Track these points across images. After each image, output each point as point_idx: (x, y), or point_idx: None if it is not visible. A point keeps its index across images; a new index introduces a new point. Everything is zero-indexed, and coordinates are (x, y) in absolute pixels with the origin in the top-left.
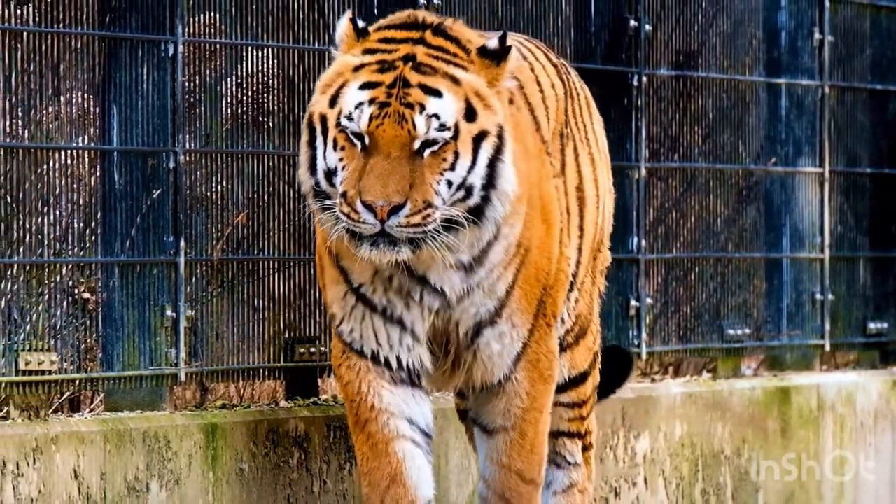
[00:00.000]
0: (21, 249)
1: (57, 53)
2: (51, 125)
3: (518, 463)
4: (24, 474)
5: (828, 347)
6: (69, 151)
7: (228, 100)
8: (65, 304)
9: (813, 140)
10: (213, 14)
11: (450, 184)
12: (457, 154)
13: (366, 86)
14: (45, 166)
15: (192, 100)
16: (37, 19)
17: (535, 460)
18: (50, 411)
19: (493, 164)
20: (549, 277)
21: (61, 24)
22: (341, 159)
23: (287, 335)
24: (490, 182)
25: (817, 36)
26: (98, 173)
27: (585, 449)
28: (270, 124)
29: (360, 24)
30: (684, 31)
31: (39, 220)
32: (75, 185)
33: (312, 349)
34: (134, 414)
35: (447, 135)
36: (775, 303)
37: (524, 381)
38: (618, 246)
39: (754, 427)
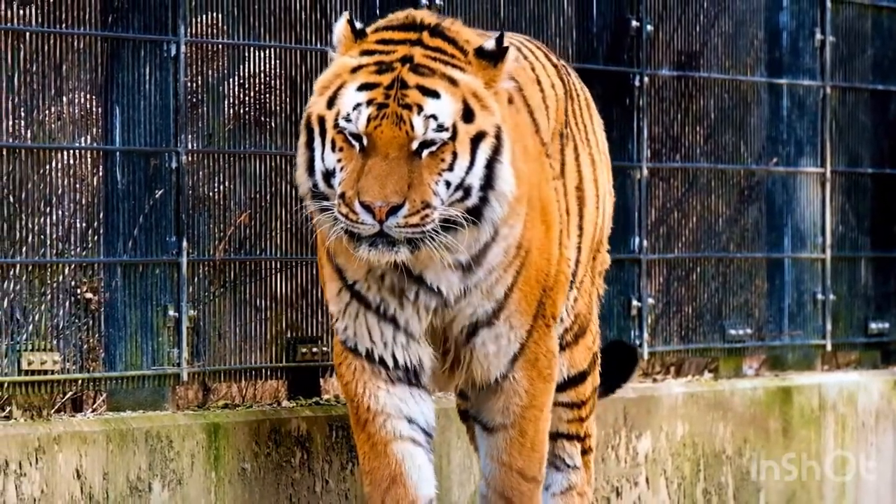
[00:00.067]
0: (24, 249)
1: (59, 54)
2: (53, 125)
3: (519, 461)
4: (26, 474)
5: (829, 347)
6: (72, 151)
7: (231, 100)
8: (67, 303)
9: (814, 140)
10: (215, 14)
11: (448, 184)
12: (455, 155)
13: (364, 87)
14: (47, 166)
15: (194, 100)
16: (39, 20)
17: (536, 458)
18: (52, 411)
19: (490, 165)
20: (548, 279)
21: (64, 25)
22: (339, 160)
23: (289, 335)
24: (488, 183)
25: (819, 36)
26: (100, 173)
27: (585, 452)
28: (273, 124)
29: (358, 25)
30: (686, 32)
31: (42, 219)
32: (78, 185)
33: (314, 349)
34: (136, 414)
35: (445, 136)
36: (777, 303)
37: (523, 379)
38: (619, 246)
39: (756, 427)
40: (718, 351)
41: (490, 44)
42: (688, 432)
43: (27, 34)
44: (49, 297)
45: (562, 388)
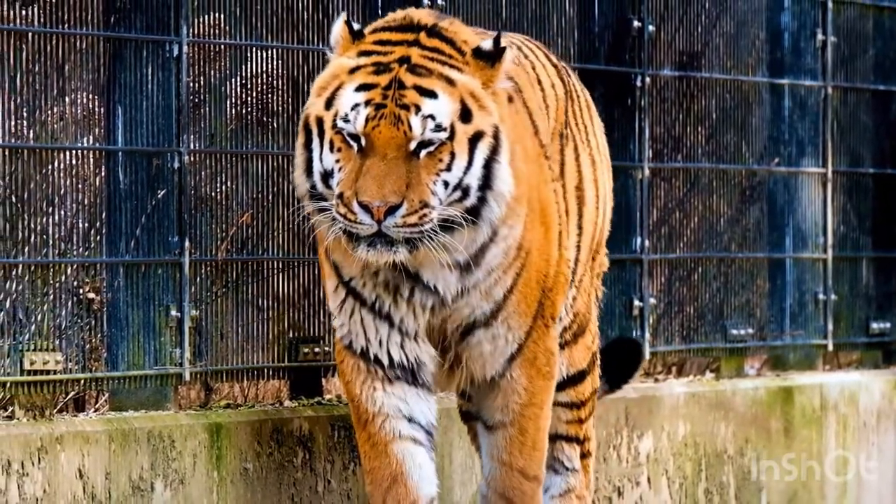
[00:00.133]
0: (26, 249)
1: (62, 54)
2: (56, 125)
3: (520, 460)
4: (28, 474)
5: (831, 347)
6: (74, 152)
7: (233, 100)
8: (70, 303)
9: (816, 140)
10: (217, 15)
11: (446, 184)
12: (453, 155)
13: (362, 87)
14: (49, 166)
15: (196, 100)
16: (42, 20)
17: (537, 457)
18: (55, 411)
19: (489, 165)
20: (547, 280)
21: (66, 25)
22: (338, 161)
23: (291, 335)
24: (486, 183)
25: (820, 37)
26: (103, 173)
27: (584, 456)
28: (275, 125)
29: (356, 26)
30: (688, 32)
31: (44, 220)
32: (80, 186)
33: (317, 349)
34: (138, 413)
35: (443, 136)
36: (778, 303)
37: (521, 377)
38: (621, 246)
39: (757, 427)
40: (720, 351)
41: (487, 44)
42: (689, 432)
43: (30, 34)
44: (51, 296)
45: (561, 387)
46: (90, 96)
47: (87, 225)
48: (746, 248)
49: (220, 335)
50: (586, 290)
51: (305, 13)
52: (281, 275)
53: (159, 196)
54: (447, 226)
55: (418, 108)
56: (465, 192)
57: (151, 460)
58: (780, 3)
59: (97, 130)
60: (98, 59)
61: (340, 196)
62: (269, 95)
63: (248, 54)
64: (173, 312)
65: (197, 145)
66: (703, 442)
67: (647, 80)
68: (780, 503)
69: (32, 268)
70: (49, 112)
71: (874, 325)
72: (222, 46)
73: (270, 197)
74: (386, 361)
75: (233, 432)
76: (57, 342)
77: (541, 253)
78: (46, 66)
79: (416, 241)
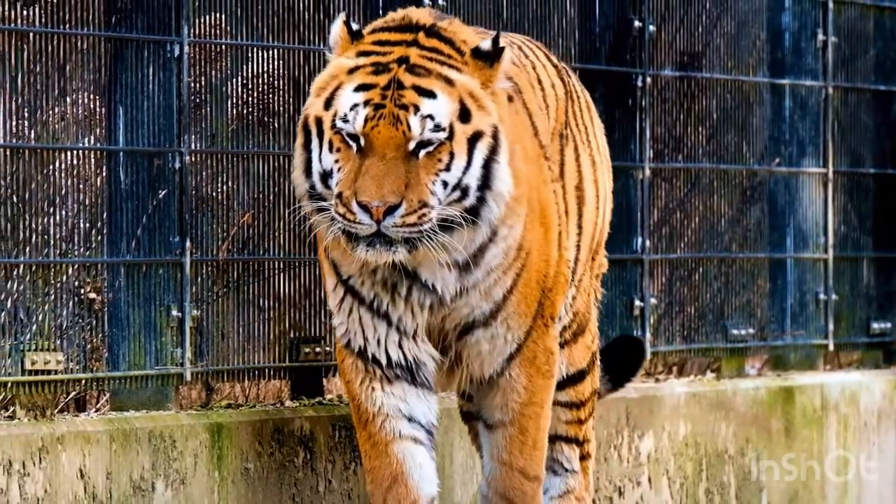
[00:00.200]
0: (27, 249)
1: (63, 54)
2: (57, 126)
3: (520, 460)
4: (30, 474)
5: (831, 347)
6: (75, 152)
7: (234, 100)
8: (71, 304)
9: (816, 141)
10: (218, 15)
11: (445, 184)
12: (452, 155)
13: (360, 88)
14: (51, 167)
15: (197, 100)
16: (43, 20)
17: (538, 457)
18: (56, 411)
19: (488, 165)
20: (547, 280)
21: (67, 25)
22: (337, 161)
23: (292, 335)
24: (485, 183)
25: (821, 37)
26: (104, 174)
27: (583, 458)
28: (276, 125)
29: (355, 26)
30: (688, 32)
31: (45, 220)
32: (81, 186)
33: (318, 349)
34: (139, 413)
35: (442, 135)
36: (779, 303)
37: (521, 376)
38: (622, 246)
39: (758, 427)
40: (721, 351)
41: (486, 44)
42: (690, 432)
43: (31, 35)
44: (52, 296)
45: (560, 386)
46: (91, 96)
47: (88, 225)
48: (747, 248)
49: (222, 335)
50: (586, 290)
51: (306, 13)
52: (282, 275)
53: (160, 196)
54: (446, 225)
55: (417, 108)
56: (465, 192)
57: (152, 460)
58: (780, 3)
59: (98, 130)
60: (99, 59)
61: (339, 196)
62: (270, 95)
63: (249, 54)
64: (174, 312)
65: (198, 145)
66: (704, 442)
67: (648, 80)
68: (781, 503)
69: (34, 268)
70: (50, 112)
71: (875, 325)
72: (223, 46)
73: (271, 197)
74: (384, 361)
75: (234, 432)
76: (58, 342)
77: (541, 253)
78: (48, 66)
79: (415, 241)
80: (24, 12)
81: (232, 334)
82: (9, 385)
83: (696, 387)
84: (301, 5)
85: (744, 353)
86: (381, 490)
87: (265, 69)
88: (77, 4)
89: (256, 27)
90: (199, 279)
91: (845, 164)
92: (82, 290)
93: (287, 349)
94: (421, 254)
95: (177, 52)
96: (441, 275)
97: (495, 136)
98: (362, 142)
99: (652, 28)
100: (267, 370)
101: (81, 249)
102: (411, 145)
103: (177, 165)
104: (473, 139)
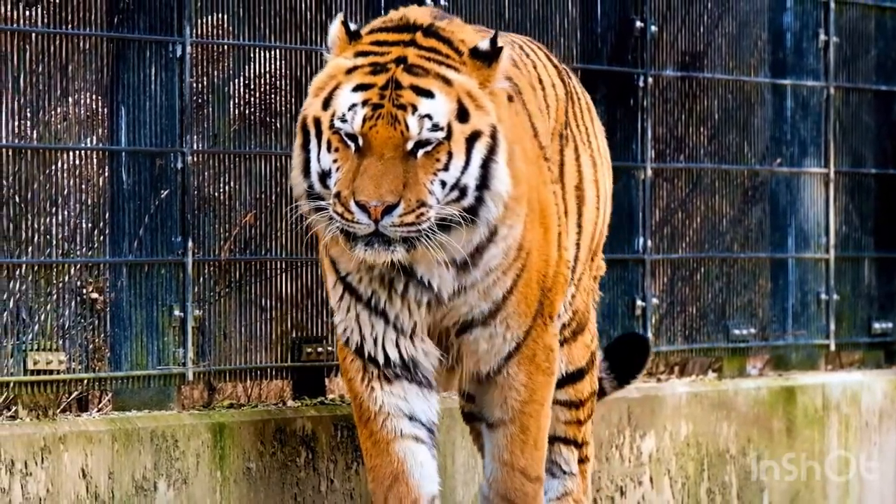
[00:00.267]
0: (29, 249)
1: (65, 54)
2: (59, 126)
3: (521, 460)
4: (32, 473)
5: (833, 347)
6: (77, 152)
7: (236, 100)
8: (73, 303)
9: (818, 141)
10: (220, 15)
11: (443, 184)
12: (450, 154)
13: (359, 88)
14: (53, 167)
15: (199, 100)
16: (45, 20)
17: (538, 456)
18: (58, 411)
19: (486, 165)
20: (546, 280)
21: (70, 26)
22: (335, 161)
23: (294, 335)
24: (484, 182)
25: (822, 37)
26: (106, 174)
27: (582, 461)
28: (278, 125)
29: (353, 26)
30: (690, 33)
31: (48, 220)
32: (83, 186)
33: (319, 349)
34: (142, 413)
35: (440, 135)
36: (780, 303)
37: (520, 374)
38: (623, 246)
39: (759, 427)
40: (722, 351)
41: (484, 44)
42: (692, 432)
43: (33, 35)
44: (55, 297)
45: (560, 384)
46: (94, 97)
47: (90, 225)
48: (749, 248)
49: (224, 335)
50: (585, 289)
51: (308, 13)
52: (284, 275)
53: (162, 196)
54: (445, 225)
55: (415, 108)
56: (463, 192)
57: (154, 460)
58: (782, 3)
59: (100, 131)
60: (101, 59)
61: (338, 195)
62: (272, 96)
63: (252, 55)
64: (176, 312)
65: (200, 145)
66: (706, 442)
67: (650, 80)
68: (782, 503)
69: (36, 268)
70: (52, 112)
71: (876, 325)
72: (225, 47)
73: (273, 197)
74: (381, 359)
75: (236, 432)
76: (60, 342)
77: (541, 253)
78: (50, 66)
79: (413, 241)
80: (27, 12)
81: (234, 334)
82: (11, 385)
83: (698, 387)
84: (303, 5)
85: (745, 353)
86: (383, 489)
87: (267, 69)
88: (79, 5)
89: (258, 27)
90: (202, 279)
91: (847, 164)
92: (84, 290)
93: (289, 349)
94: (419, 253)
95: (179, 53)
96: (438, 272)
97: (494, 136)
98: (360, 142)
99: (654, 28)
100: (269, 370)
101: (84, 249)
102: (409, 145)
103: (179, 165)
104: (472, 139)
